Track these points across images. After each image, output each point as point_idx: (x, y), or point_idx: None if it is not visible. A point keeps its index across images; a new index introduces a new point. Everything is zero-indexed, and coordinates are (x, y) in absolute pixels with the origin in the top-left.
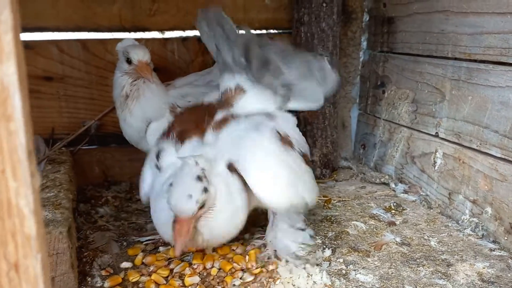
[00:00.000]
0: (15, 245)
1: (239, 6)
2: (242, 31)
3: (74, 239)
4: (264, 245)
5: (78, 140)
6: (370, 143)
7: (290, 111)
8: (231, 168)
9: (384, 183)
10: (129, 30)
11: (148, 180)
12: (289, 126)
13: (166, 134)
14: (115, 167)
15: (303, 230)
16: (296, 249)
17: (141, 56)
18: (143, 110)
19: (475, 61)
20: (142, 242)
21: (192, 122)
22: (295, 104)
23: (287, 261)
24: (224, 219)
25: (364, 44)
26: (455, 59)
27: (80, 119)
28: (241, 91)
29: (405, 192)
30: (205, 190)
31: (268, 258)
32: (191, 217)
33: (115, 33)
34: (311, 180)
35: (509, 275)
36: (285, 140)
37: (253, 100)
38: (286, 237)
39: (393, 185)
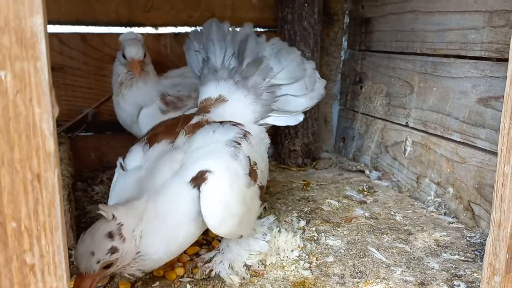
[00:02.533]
0: (38, 160)
1: (228, 5)
2: (241, 28)
3: (73, 206)
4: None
5: (75, 127)
6: (349, 136)
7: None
8: (200, 178)
9: (360, 171)
10: (125, 25)
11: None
12: (260, 147)
13: (139, 140)
14: (110, 154)
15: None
16: (247, 258)
17: (133, 54)
18: (134, 97)
19: (439, 56)
20: None
21: (165, 127)
22: (274, 120)
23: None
24: (160, 256)
25: (345, 44)
26: (423, 54)
27: (78, 107)
28: (222, 100)
29: (379, 178)
30: (113, 250)
31: (209, 272)
32: (93, 275)
33: (112, 28)
34: (254, 216)
35: (462, 241)
36: (252, 173)
37: (232, 108)
38: (239, 245)
39: (368, 172)
